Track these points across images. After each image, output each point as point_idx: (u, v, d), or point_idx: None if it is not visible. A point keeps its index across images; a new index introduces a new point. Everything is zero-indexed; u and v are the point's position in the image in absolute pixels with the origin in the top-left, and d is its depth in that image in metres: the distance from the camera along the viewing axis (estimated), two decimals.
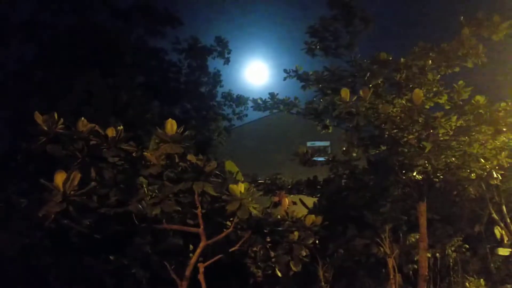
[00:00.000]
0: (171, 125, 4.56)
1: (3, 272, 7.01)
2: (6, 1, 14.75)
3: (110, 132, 4.41)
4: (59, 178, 3.83)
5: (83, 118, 4.33)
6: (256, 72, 27.15)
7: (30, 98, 12.98)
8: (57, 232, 4.21)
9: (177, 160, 4.63)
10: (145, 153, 4.61)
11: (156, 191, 4.62)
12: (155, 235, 6.50)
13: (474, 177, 8.38)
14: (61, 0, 15.36)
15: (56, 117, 4.17)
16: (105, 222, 4.65)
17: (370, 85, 8.85)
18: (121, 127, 4.50)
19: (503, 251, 9.70)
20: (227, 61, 20.19)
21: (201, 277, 5.09)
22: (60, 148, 4.22)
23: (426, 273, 8.89)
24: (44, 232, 4.25)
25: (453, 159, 8.25)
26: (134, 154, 4.61)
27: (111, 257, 6.93)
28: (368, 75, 9.19)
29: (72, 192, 3.86)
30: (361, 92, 8.00)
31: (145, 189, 4.67)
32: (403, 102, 8.44)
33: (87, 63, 13.22)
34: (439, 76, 8.80)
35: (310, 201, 10.21)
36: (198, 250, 4.93)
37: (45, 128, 4.13)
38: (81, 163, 4.29)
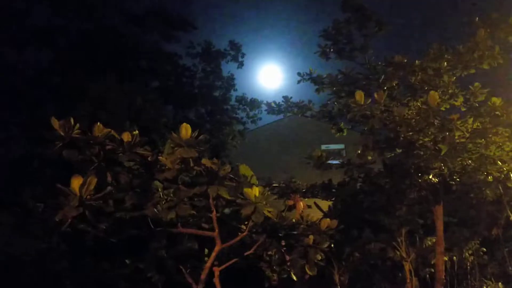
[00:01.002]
0: (185, 129, 4.57)
1: (21, 276, 7.09)
2: (22, 8, 14.93)
3: (126, 136, 4.43)
4: (76, 182, 3.86)
5: (99, 123, 4.35)
6: (269, 76, 27.14)
7: (46, 103, 13.14)
8: (73, 236, 4.24)
9: (191, 164, 4.63)
10: (160, 158, 4.63)
11: (171, 195, 4.63)
12: (170, 239, 6.52)
13: (491, 180, 8.28)
14: (77, 6, 15.53)
15: (72, 122, 4.20)
16: (121, 226, 4.67)
17: (385, 88, 8.81)
18: (137, 131, 4.52)
19: None
20: (240, 64, 20.25)
21: (216, 281, 5.09)
22: (76, 153, 4.24)
23: (443, 277, 8.80)
24: (60, 237, 4.28)
25: (470, 161, 8.16)
26: (149, 159, 4.63)
27: (127, 261, 6.97)
28: (382, 77, 9.15)
29: (88, 197, 3.88)
30: (375, 95, 7.96)
31: (161, 193, 4.69)
32: (419, 104, 8.37)
33: (102, 68, 13.34)
34: (454, 78, 8.72)
35: (325, 204, 10.17)
36: (213, 254, 4.93)
37: (61, 133, 4.16)
38: (97, 167, 4.32)
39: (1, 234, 3.79)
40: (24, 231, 3.81)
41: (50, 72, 14.51)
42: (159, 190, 4.71)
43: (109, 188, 4.24)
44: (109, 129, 4.39)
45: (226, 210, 5.10)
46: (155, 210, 4.60)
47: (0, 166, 11.45)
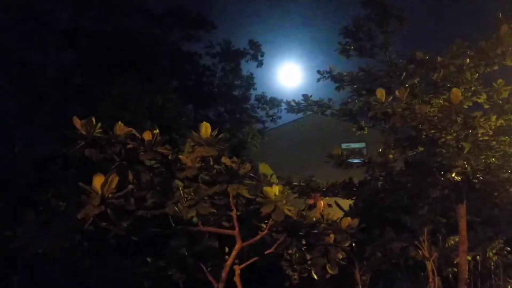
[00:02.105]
0: (205, 128, 4.59)
1: (44, 274, 7.21)
2: (46, 10, 15.18)
3: (147, 135, 4.46)
4: (97, 181, 3.90)
5: (120, 122, 4.40)
6: (289, 74, 27.11)
7: (69, 103, 13.33)
8: (96, 234, 4.29)
9: (212, 162, 4.65)
10: (180, 156, 4.65)
11: (192, 193, 4.65)
12: (191, 237, 6.56)
13: None
14: (99, 7, 15.73)
15: (94, 121, 4.25)
16: (142, 225, 4.71)
17: (407, 85, 8.70)
18: (157, 130, 4.55)
19: None
20: (260, 63, 20.29)
21: (237, 279, 5.09)
22: (98, 152, 4.29)
23: (467, 277, 8.68)
24: (83, 235, 4.34)
25: (493, 159, 8.04)
26: (170, 157, 4.66)
27: (148, 259, 7.03)
28: (404, 75, 9.05)
29: (110, 195, 3.92)
30: (397, 92, 7.89)
31: (181, 192, 4.71)
32: (441, 102, 8.26)
33: (123, 68, 13.48)
34: (477, 74, 8.58)
35: (345, 203, 10.11)
36: (234, 252, 4.93)
37: (84, 133, 4.21)
38: (119, 166, 4.36)
39: (26, 232, 3.85)
40: (48, 229, 3.86)
41: (73, 73, 14.73)
42: (180, 188, 4.73)
43: (130, 186, 4.28)
44: (130, 128, 4.43)
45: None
46: (176, 208, 4.62)
47: (25, 165, 11.65)
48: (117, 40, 14.73)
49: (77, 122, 4.21)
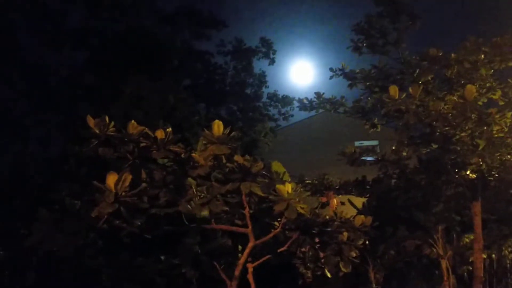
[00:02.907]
0: (218, 127, 4.59)
1: (59, 271, 7.27)
2: (60, 10, 15.30)
3: (160, 134, 4.48)
4: (111, 179, 3.91)
5: (133, 121, 4.41)
6: (301, 72, 27.02)
7: (81, 102, 13.42)
8: (109, 232, 4.31)
9: (224, 161, 4.65)
10: (193, 155, 4.66)
11: (205, 191, 4.66)
12: (204, 235, 6.57)
13: None
14: (111, 7, 15.81)
15: (107, 120, 4.27)
16: (156, 223, 4.72)
17: (420, 82, 8.64)
18: (170, 129, 4.56)
19: None
20: (272, 61, 20.23)
21: (250, 277, 5.08)
22: (111, 151, 4.31)
23: (482, 275, 8.60)
24: (96, 233, 4.36)
25: (509, 156, 7.95)
26: (182, 156, 4.66)
27: (162, 257, 7.05)
28: (417, 71, 8.98)
29: (123, 193, 3.94)
30: (410, 90, 7.83)
31: (194, 190, 4.72)
32: (455, 98, 8.16)
33: (135, 67, 13.54)
34: (492, 71, 8.50)
35: (359, 201, 10.06)
36: (247, 251, 4.93)
37: (97, 131, 4.23)
38: (132, 164, 4.38)
39: (40, 230, 3.88)
40: (62, 227, 3.89)
41: (85, 72, 14.82)
42: (193, 186, 4.74)
43: (143, 184, 4.29)
44: (143, 127, 4.44)
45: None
46: (189, 206, 4.63)
47: (39, 164, 11.75)
48: (128, 40, 14.79)
49: (90, 121, 4.23)
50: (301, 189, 4.78)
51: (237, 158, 4.64)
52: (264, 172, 4.75)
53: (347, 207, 9.62)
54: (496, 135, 7.72)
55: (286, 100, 20.63)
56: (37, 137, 14.33)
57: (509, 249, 9.85)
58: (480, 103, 8.23)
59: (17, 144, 13.81)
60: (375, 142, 17.44)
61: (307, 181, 9.86)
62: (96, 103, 12.67)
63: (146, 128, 4.48)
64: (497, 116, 7.57)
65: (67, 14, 15.47)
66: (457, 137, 7.82)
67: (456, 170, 8.25)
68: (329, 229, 5.30)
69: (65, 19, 15.41)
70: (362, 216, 5.43)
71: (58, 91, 14.55)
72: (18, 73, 14.67)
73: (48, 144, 14.15)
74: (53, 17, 15.13)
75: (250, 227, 4.84)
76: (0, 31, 13.92)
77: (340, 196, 10.02)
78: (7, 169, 9.88)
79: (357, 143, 16.75)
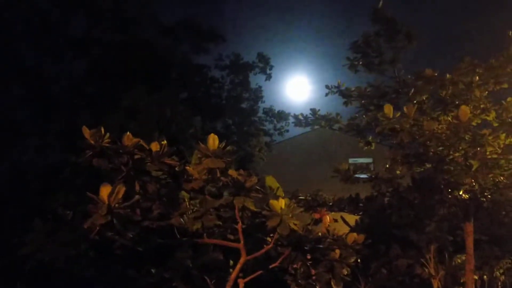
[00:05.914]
0: (213, 140, 4.61)
1: (50, 282, 7.22)
2: (61, 21, 15.36)
3: (154, 146, 4.49)
4: (105, 191, 3.92)
5: (128, 133, 4.42)
6: (297, 88, 27.16)
7: (81, 112, 13.43)
8: (101, 244, 4.30)
9: (218, 174, 4.66)
10: (187, 168, 4.67)
11: (198, 205, 4.66)
12: (196, 249, 6.54)
13: None
14: (112, 18, 15.89)
15: (102, 131, 4.28)
16: (148, 235, 4.71)
17: (415, 101, 8.71)
18: (165, 141, 4.57)
19: None
20: (268, 77, 20.34)
21: None
22: (106, 162, 4.32)
23: None
24: (89, 244, 4.35)
25: (502, 178, 7.98)
26: (177, 169, 4.67)
27: (153, 270, 7.01)
28: (412, 91, 9.05)
29: (116, 205, 3.94)
30: (405, 109, 7.89)
31: (187, 203, 4.72)
32: (449, 119, 8.24)
33: (134, 78, 13.58)
34: (486, 92, 8.57)
35: (352, 219, 10.07)
36: (238, 266, 4.92)
37: (92, 142, 4.24)
38: (126, 176, 4.38)
39: (34, 240, 3.87)
40: (55, 238, 3.88)
41: (85, 82, 14.86)
42: (186, 200, 4.75)
43: (136, 197, 4.30)
44: (138, 139, 4.45)
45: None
46: (182, 220, 4.64)
47: (36, 172, 11.73)
48: (128, 51, 14.85)
49: (86, 132, 4.24)
50: (295, 205, 4.79)
51: (231, 172, 4.65)
52: (258, 187, 4.76)
53: (340, 224, 9.62)
54: (489, 156, 7.77)
55: (281, 116, 20.73)
56: (35, 145, 14.30)
57: (501, 271, 9.84)
58: (474, 123, 8.29)
59: (14, 152, 13.77)
60: (369, 160, 17.47)
61: (300, 197, 9.86)
62: (94, 113, 12.69)
63: (141, 140, 4.48)
64: (490, 138, 7.62)
65: (68, 24, 15.54)
66: (451, 157, 7.87)
67: (449, 190, 8.28)
68: (321, 246, 5.29)
69: (67, 28, 15.48)
70: (355, 233, 5.44)
71: (57, 100, 14.57)
72: (18, 81, 14.68)
73: (46, 152, 14.11)
74: (54, 27, 15.19)
75: (242, 242, 4.84)
76: (1, 40, 13.96)
77: (333, 213, 10.00)
78: (4, 176, 9.86)
79: (351, 160, 16.76)
